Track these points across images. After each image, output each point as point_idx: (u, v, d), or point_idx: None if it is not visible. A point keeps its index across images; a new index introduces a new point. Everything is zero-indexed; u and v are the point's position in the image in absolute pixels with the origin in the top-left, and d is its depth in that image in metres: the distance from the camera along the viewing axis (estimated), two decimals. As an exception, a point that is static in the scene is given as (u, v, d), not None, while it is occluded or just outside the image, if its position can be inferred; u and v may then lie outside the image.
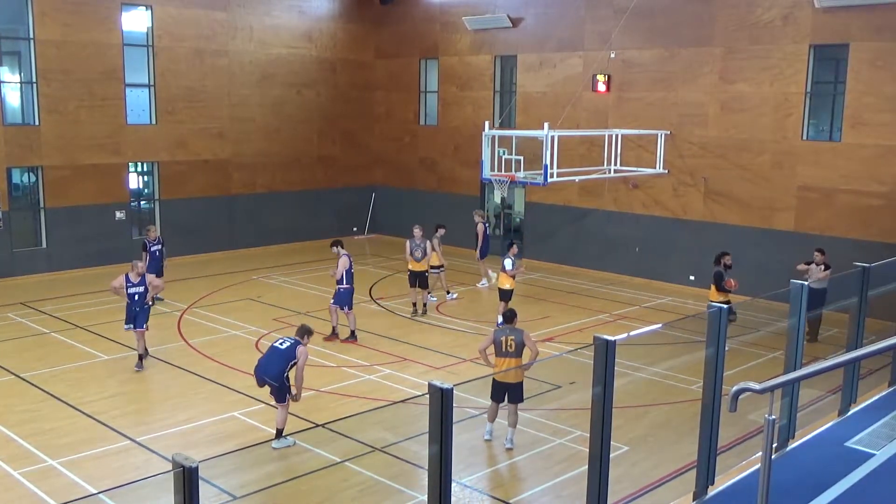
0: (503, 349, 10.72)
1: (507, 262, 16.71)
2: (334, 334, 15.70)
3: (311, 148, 26.48)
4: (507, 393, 10.63)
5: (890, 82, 17.35)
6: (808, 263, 16.06)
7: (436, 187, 26.34)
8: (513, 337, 10.67)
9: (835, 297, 14.60)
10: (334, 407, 12.17)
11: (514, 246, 17.31)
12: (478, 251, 20.77)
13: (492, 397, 10.76)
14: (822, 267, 15.82)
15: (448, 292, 19.46)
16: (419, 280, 17.85)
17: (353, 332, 15.69)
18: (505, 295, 16.85)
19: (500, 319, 15.81)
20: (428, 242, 18.20)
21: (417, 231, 18.18)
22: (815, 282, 14.14)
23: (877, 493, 7.96)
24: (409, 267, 18.00)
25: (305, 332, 10.99)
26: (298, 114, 25.95)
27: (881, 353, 11.17)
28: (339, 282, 15.57)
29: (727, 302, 16.21)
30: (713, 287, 15.34)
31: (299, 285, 20.43)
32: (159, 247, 18.07)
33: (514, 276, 16.90)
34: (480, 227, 20.71)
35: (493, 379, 10.65)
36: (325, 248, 25.53)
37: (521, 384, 10.69)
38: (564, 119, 21.34)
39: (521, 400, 10.74)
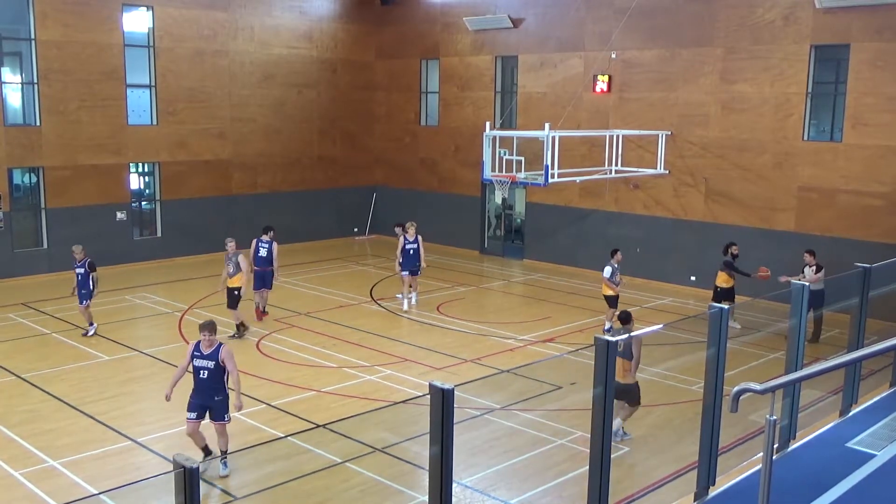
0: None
1: (607, 270, 16.14)
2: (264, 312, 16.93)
3: (311, 148, 26.49)
4: (620, 392, 10.79)
5: (891, 83, 17.34)
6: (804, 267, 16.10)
7: (436, 188, 26.34)
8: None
9: (835, 297, 14.59)
10: (335, 407, 12.17)
11: (619, 253, 16.42)
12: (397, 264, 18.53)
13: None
14: (814, 269, 15.86)
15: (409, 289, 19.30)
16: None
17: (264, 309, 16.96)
18: (611, 301, 16.24)
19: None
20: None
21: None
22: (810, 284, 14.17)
23: (878, 494, 7.95)
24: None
25: (208, 328, 9.74)
26: (299, 114, 25.96)
27: (882, 353, 11.17)
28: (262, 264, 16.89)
29: (732, 289, 16.49)
30: (721, 273, 16.79)
31: (300, 286, 20.43)
32: (83, 270, 15.64)
33: (617, 285, 16.21)
34: (401, 241, 18.44)
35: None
36: (327, 249, 25.81)
37: (629, 386, 10.73)
38: (565, 119, 21.35)
39: (636, 403, 10.90)
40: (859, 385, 10.57)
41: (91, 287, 15.59)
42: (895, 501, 7.90)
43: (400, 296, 18.84)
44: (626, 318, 11.16)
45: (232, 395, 9.84)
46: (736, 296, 16.91)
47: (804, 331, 8.97)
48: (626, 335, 10.29)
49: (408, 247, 17.91)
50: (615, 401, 10.87)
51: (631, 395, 10.83)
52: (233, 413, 9.91)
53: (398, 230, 19.20)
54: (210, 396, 9.71)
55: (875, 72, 17.52)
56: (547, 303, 19.19)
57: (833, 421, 9.95)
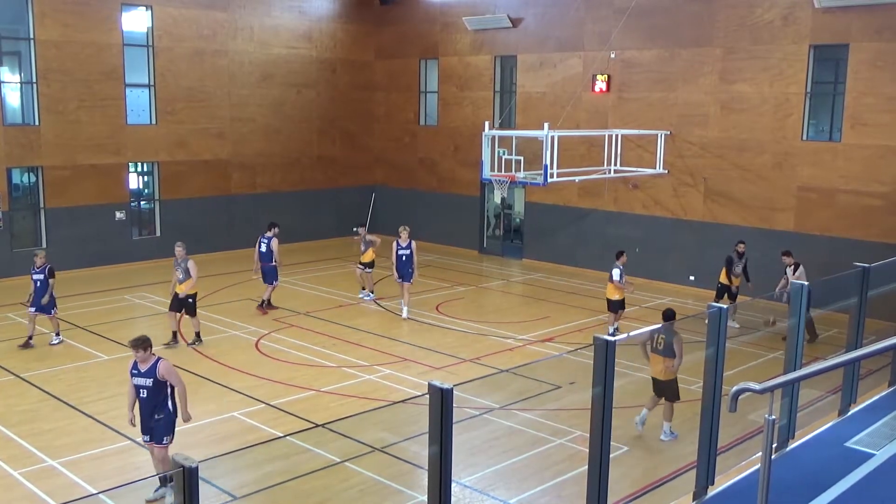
0: (653, 346, 11.00)
1: (616, 272, 15.86)
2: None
3: (311, 148, 26.49)
4: (660, 389, 11.03)
5: (890, 83, 17.34)
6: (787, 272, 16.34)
7: (436, 187, 26.34)
8: (664, 336, 10.87)
9: (834, 297, 14.57)
10: (334, 407, 12.17)
11: (624, 255, 16.28)
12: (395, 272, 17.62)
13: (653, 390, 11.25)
14: (793, 268, 15.93)
15: (364, 289, 19.28)
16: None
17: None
18: (613, 306, 16.09)
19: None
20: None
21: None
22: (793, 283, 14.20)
23: (877, 493, 7.96)
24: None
25: (141, 344, 9.00)
26: (298, 114, 25.96)
27: (881, 353, 11.18)
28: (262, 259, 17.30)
29: (729, 287, 16.58)
30: (723, 269, 17.11)
31: (299, 285, 20.43)
32: (42, 276, 14.78)
33: (621, 287, 16.02)
34: (394, 246, 17.59)
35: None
36: (326, 248, 25.80)
37: (670, 382, 10.92)
38: (564, 119, 21.34)
39: (675, 398, 11.02)
40: (858, 384, 10.58)
41: (50, 295, 14.78)
42: (894, 501, 7.90)
43: (363, 294, 19.07)
44: (670, 315, 11.29)
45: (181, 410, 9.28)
46: (738, 296, 16.96)
47: (803, 330, 8.98)
48: (625, 335, 10.31)
49: (400, 252, 17.17)
50: (656, 399, 11.03)
51: (672, 391, 11.01)
52: (180, 427, 9.34)
53: (360, 231, 19.69)
54: (150, 416, 9.07)
55: (874, 72, 17.52)
56: (546, 302, 19.19)
57: (832, 420, 9.96)
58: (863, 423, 9.70)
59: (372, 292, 19.17)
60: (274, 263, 17.56)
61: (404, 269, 17.13)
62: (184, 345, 15.16)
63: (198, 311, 15.41)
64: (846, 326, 10.62)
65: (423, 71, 26.60)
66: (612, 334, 15.29)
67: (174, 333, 15.20)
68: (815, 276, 15.83)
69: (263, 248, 17.51)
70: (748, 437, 10.58)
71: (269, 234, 17.62)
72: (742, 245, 17.16)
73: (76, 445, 10.70)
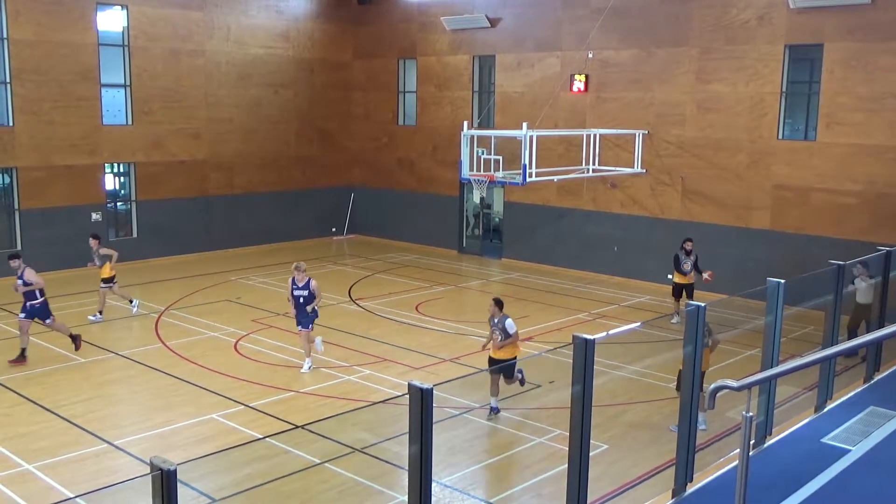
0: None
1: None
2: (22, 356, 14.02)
3: (288, 148, 26.38)
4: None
5: (863, 82, 17.55)
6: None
7: (415, 187, 26.33)
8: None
9: (810, 295, 14.73)
10: (314, 408, 12.13)
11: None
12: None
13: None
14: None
15: (98, 313, 16.99)
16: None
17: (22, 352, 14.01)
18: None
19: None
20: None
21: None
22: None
23: (853, 489, 8.05)
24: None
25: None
26: (276, 114, 25.84)
27: (856, 349, 11.30)
28: (30, 295, 14.09)
29: (687, 285, 16.73)
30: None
31: (278, 286, 20.32)
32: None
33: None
34: (289, 284, 14.33)
35: None
36: (305, 249, 25.70)
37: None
38: (543, 119, 21.41)
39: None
40: (834, 381, 10.70)
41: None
42: (869, 496, 8.00)
43: (93, 318, 16.82)
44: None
45: None
46: (694, 292, 16.96)
47: (780, 328, 9.06)
48: (603, 334, 10.34)
49: (297, 294, 13.92)
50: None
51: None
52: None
53: (91, 243, 16.94)
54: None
55: (848, 71, 17.72)
56: (525, 302, 19.23)
57: (808, 417, 10.06)
58: (839, 419, 9.81)
59: (100, 312, 16.94)
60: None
61: (302, 314, 13.89)
62: (158, 349, 15.04)
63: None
64: (822, 323, 10.73)
65: (401, 71, 26.58)
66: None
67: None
68: (791, 273, 15.94)
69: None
70: (726, 434, 10.67)
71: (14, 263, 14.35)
72: (689, 242, 17.14)
73: (52, 449, 10.59)
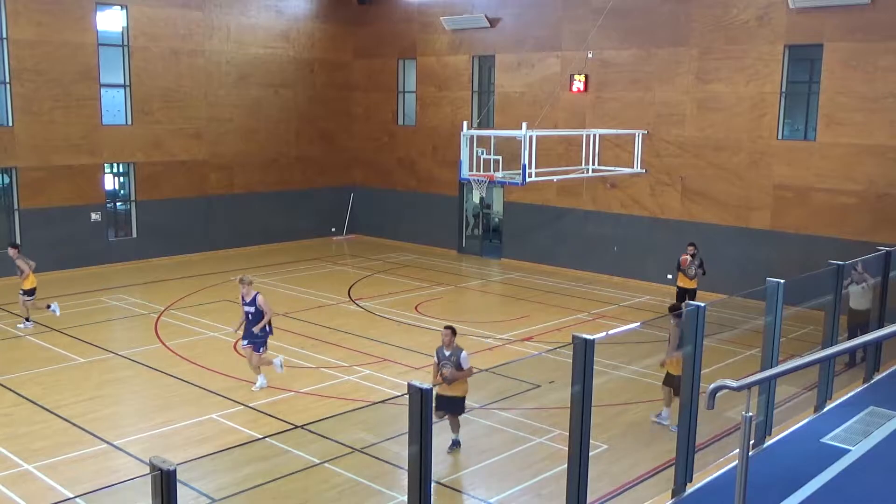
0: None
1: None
2: None
3: (288, 148, 26.37)
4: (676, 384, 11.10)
5: (863, 82, 17.55)
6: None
7: (414, 187, 26.33)
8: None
9: (810, 294, 14.75)
10: (314, 408, 12.13)
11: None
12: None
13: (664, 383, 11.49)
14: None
15: (26, 320, 16.37)
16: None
17: None
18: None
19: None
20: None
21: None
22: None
23: (852, 489, 8.04)
24: None
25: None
26: (276, 114, 25.84)
27: (855, 349, 11.29)
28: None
29: (690, 290, 16.65)
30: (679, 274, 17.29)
31: (278, 286, 20.32)
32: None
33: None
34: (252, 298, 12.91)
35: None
36: (305, 249, 25.71)
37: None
38: (542, 119, 21.41)
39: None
40: (833, 381, 10.70)
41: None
42: (869, 496, 8.00)
43: (23, 324, 16.16)
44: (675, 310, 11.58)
45: None
46: (693, 296, 16.91)
47: (780, 328, 9.06)
48: (603, 334, 10.35)
49: (245, 310, 12.75)
50: (670, 394, 11.21)
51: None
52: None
53: (10, 252, 16.43)
54: None
55: (848, 71, 17.71)
56: (525, 302, 19.23)
57: (808, 417, 10.06)
58: (838, 419, 9.81)
59: (28, 319, 16.30)
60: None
61: (250, 332, 12.70)
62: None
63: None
64: (821, 323, 10.73)
65: (401, 71, 26.58)
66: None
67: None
68: (791, 273, 15.94)
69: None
70: (726, 434, 10.66)
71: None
72: (692, 247, 16.98)
73: (52, 449, 10.59)
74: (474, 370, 10.43)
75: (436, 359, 10.59)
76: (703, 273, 16.90)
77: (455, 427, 10.63)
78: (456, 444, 10.63)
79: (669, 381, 11.33)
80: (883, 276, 12.11)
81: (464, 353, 10.45)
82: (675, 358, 10.93)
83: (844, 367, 12.88)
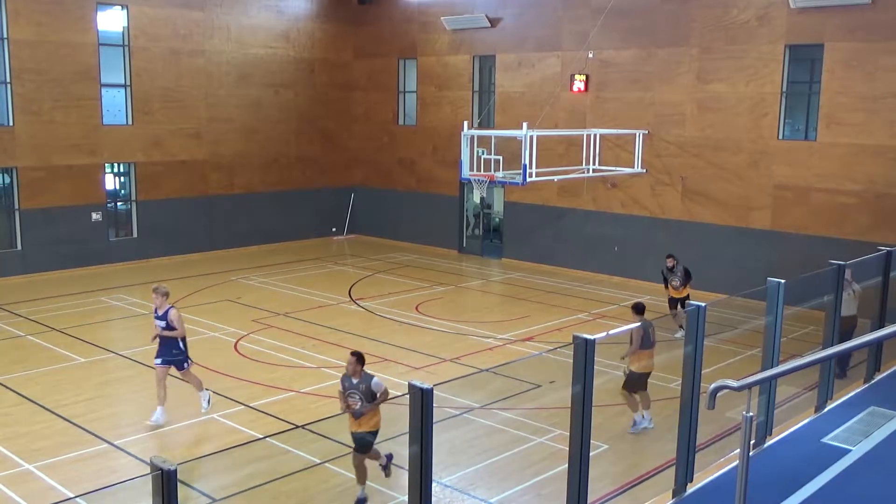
0: (651, 341, 11.30)
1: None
2: None
3: (289, 148, 26.38)
4: (644, 383, 11.39)
5: (863, 82, 17.54)
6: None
7: (415, 187, 26.33)
8: (653, 330, 11.37)
9: (810, 295, 14.76)
10: (314, 408, 12.13)
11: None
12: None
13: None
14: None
15: None
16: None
17: None
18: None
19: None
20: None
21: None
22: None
23: (853, 489, 8.04)
24: None
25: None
26: (276, 114, 25.84)
27: (856, 349, 11.30)
28: None
29: (682, 298, 16.38)
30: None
31: (278, 286, 20.33)
32: None
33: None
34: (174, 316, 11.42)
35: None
36: (305, 249, 25.72)
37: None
38: (543, 119, 21.40)
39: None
40: (834, 381, 10.69)
41: None
42: (869, 496, 7.99)
43: None
44: (640, 309, 11.62)
45: None
46: (684, 304, 16.75)
47: (780, 328, 9.05)
48: (604, 334, 10.34)
49: (157, 323, 11.39)
50: (639, 392, 11.30)
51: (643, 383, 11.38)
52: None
53: None
54: None
55: (848, 71, 17.71)
56: (526, 302, 19.23)
57: (808, 417, 10.06)
58: (839, 419, 9.80)
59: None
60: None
61: (166, 350, 11.36)
62: None
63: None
64: (822, 324, 10.73)
65: (401, 70, 26.57)
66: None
67: None
68: (791, 273, 15.92)
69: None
70: (726, 434, 10.66)
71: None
72: (670, 259, 16.56)
73: (53, 449, 10.59)
74: (390, 393, 9.13)
75: (340, 387, 9.30)
76: (690, 278, 16.61)
77: (362, 477, 9.03)
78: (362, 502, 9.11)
79: (628, 383, 11.32)
80: (883, 276, 12.10)
81: (375, 379, 9.05)
82: (637, 354, 11.15)
83: (835, 376, 12.83)
